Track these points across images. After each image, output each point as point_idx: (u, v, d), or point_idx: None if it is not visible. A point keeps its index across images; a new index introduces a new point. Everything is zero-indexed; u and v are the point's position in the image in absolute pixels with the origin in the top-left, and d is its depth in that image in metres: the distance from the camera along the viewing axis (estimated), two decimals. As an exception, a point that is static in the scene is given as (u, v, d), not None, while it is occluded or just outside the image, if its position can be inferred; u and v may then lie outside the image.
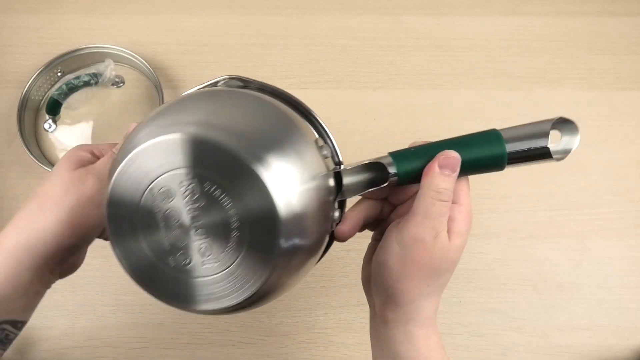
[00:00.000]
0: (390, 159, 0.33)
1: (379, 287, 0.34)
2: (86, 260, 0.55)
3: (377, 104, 0.63)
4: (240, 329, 0.54)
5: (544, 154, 0.32)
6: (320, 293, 0.55)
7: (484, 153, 0.32)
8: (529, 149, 0.31)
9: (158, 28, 0.66)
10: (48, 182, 0.34)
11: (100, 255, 0.55)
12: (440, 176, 0.31)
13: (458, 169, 0.31)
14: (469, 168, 0.33)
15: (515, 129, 0.32)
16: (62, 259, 0.35)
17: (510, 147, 0.32)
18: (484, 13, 0.68)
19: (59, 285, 0.53)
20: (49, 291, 0.50)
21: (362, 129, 0.62)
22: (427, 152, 0.33)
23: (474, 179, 0.60)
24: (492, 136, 0.32)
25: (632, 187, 0.60)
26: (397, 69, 0.65)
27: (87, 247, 0.38)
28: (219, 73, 0.64)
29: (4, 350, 0.34)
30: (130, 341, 0.52)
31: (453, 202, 0.32)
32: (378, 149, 0.61)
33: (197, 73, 0.64)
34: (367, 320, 0.53)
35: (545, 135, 0.31)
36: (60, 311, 0.53)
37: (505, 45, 0.66)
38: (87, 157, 0.36)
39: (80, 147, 0.37)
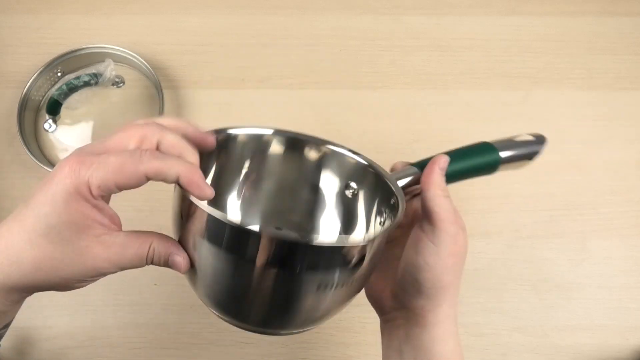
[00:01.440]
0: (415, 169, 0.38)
1: (421, 292, 0.35)
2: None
3: (377, 104, 0.63)
4: (240, 329, 0.54)
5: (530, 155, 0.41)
6: (320, 293, 0.55)
7: (479, 160, 0.40)
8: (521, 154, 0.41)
9: (158, 28, 0.66)
10: (40, 205, 0.27)
11: (100, 255, 0.55)
12: (441, 176, 0.35)
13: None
14: (469, 172, 0.40)
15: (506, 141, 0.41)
16: (38, 290, 0.30)
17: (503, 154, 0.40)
18: (484, 13, 0.68)
19: (59, 285, 0.54)
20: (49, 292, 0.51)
21: (362, 129, 0.62)
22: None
23: (473, 180, 0.60)
24: (486, 147, 0.40)
25: (632, 187, 0.60)
26: (397, 69, 0.65)
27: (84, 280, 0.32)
28: (219, 73, 0.64)
29: None
30: (130, 341, 0.52)
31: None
32: (378, 149, 0.61)
33: (197, 73, 0.64)
34: (367, 320, 0.53)
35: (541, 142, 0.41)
36: (60, 311, 0.53)
37: (505, 45, 0.66)
38: (89, 197, 0.27)
39: (83, 187, 0.27)
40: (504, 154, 0.40)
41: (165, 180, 0.28)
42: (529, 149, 0.41)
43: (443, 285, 0.35)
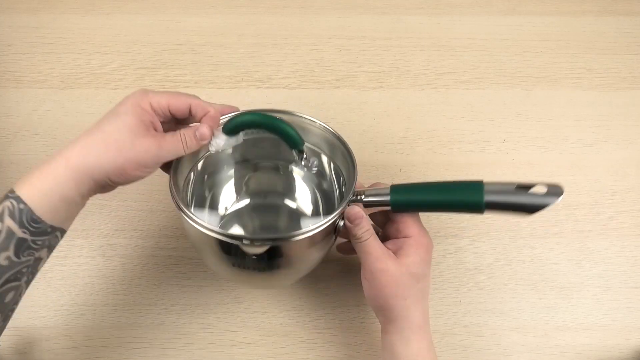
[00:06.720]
0: (388, 189, 0.43)
1: (376, 311, 0.45)
2: (86, 260, 0.55)
3: (377, 104, 0.63)
4: (240, 329, 0.54)
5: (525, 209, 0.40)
6: (320, 293, 0.55)
7: (465, 198, 0.41)
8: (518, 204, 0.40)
9: (158, 28, 0.66)
10: (115, 126, 0.38)
11: (100, 255, 0.55)
12: (354, 228, 0.43)
13: (364, 217, 0.42)
14: (450, 208, 0.43)
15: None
16: (106, 190, 0.41)
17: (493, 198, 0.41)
18: (484, 12, 0.68)
19: (59, 285, 0.54)
20: (47, 290, 0.53)
21: (362, 129, 0.62)
22: (419, 189, 0.43)
23: (478, 172, 0.60)
24: (475, 186, 0.41)
25: (632, 187, 0.60)
26: (397, 69, 0.65)
27: None
28: (219, 73, 0.64)
29: (48, 257, 0.39)
30: (130, 341, 0.52)
31: (403, 236, 0.44)
32: (378, 149, 0.61)
33: (197, 73, 0.64)
34: (367, 320, 0.53)
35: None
36: (60, 311, 0.53)
37: (505, 45, 0.66)
38: (151, 122, 0.40)
39: (145, 101, 0.40)
40: (490, 198, 0.40)
41: (196, 114, 0.42)
42: (527, 200, 0.40)
43: (388, 307, 0.42)
